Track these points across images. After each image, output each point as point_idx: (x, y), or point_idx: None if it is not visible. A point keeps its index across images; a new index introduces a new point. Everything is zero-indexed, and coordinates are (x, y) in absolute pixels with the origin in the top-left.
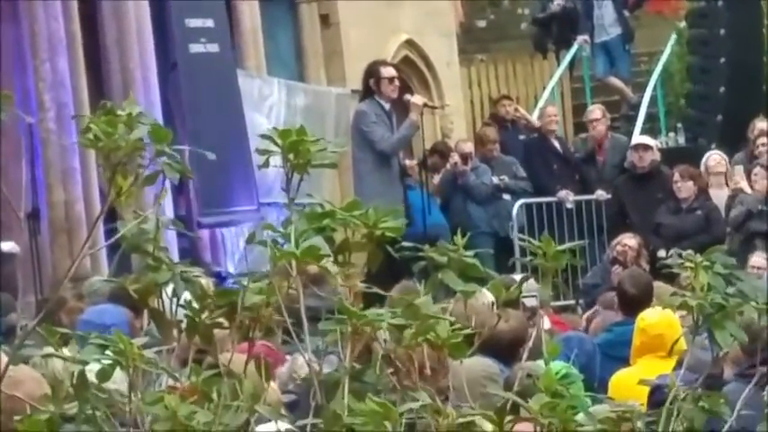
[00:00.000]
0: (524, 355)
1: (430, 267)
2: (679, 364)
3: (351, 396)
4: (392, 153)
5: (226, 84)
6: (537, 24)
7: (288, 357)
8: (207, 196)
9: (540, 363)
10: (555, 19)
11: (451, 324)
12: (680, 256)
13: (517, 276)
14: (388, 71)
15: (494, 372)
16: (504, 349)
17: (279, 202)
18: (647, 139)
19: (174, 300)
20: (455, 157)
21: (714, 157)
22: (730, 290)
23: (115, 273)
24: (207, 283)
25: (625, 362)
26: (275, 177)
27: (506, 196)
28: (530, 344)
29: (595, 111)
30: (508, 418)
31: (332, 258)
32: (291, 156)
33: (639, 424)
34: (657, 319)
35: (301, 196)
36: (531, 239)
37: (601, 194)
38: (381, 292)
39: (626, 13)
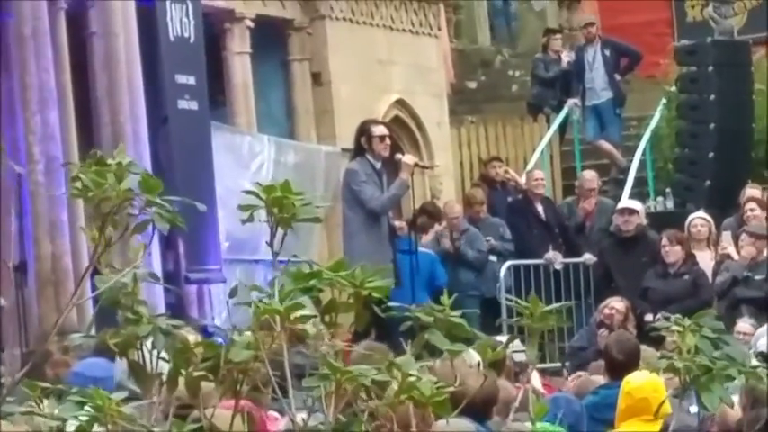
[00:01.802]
0: (511, 414)
1: (416, 327)
2: (663, 428)
3: None
4: (382, 212)
5: (201, 141)
6: (541, 84)
7: (275, 414)
8: (191, 253)
9: (528, 424)
10: (558, 80)
11: (434, 382)
12: (667, 319)
13: (503, 338)
14: (379, 129)
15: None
16: (477, 407)
17: (267, 259)
18: (632, 203)
19: (155, 353)
20: (447, 235)
21: (695, 221)
22: (717, 353)
23: (101, 325)
24: (195, 337)
25: (610, 424)
26: (261, 233)
27: (492, 258)
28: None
29: (593, 180)
30: None
31: (319, 319)
32: (276, 210)
33: None
34: (642, 383)
35: (289, 255)
36: (519, 300)
37: (588, 258)
38: (362, 351)
39: (617, 77)
